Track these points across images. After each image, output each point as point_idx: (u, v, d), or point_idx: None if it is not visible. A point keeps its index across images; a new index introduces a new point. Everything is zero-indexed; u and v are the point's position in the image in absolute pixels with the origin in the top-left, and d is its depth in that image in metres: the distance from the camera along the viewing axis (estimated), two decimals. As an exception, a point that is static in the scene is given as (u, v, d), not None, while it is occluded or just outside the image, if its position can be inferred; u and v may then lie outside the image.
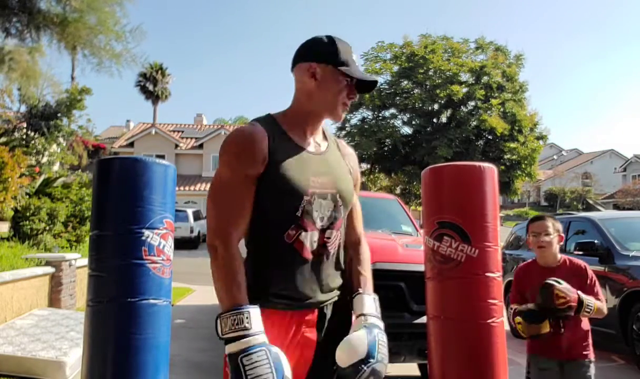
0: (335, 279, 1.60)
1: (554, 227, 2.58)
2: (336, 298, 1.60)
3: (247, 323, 1.34)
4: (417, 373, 4.47)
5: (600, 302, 2.48)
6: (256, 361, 1.29)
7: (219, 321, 1.37)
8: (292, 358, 1.45)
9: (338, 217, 1.57)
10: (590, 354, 2.53)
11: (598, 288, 2.57)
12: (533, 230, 2.60)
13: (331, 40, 1.56)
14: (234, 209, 1.46)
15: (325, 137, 1.66)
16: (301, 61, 1.56)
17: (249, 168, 1.46)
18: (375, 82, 1.61)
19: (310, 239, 1.51)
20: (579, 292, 2.39)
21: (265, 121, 1.56)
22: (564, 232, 6.87)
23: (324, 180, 1.53)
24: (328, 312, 1.57)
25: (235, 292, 1.38)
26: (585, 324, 2.54)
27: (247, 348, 1.31)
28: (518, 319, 2.42)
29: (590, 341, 2.55)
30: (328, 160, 1.59)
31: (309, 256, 1.51)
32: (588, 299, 2.40)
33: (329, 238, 1.55)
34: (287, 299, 1.49)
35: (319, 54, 1.54)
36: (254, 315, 1.36)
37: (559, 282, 2.37)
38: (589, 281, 2.55)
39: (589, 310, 2.39)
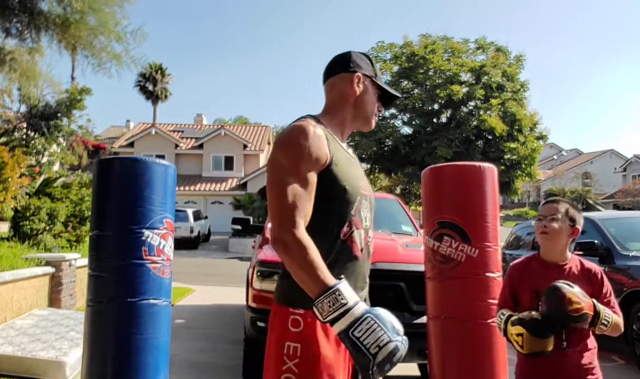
0: (367, 279, 1.67)
1: (566, 214, 2.02)
2: (367, 294, 1.68)
3: (342, 299, 1.33)
4: (417, 373, 4.46)
5: (618, 316, 1.99)
6: (367, 330, 1.30)
7: (315, 309, 1.35)
8: (343, 367, 1.50)
9: (372, 219, 1.67)
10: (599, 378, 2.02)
11: (614, 301, 2.03)
12: (540, 213, 2.09)
13: (367, 56, 1.71)
14: (300, 201, 1.45)
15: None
16: (344, 71, 1.65)
17: (316, 163, 1.48)
18: (398, 97, 1.81)
19: (359, 237, 1.57)
20: (594, 299, 1.91)
21: (317, 121, 1.59)
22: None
23: (365, 183, 1.65)
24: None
25: (320, 275, 1.36)
26: (592, 341, 2.03)
27: (353, 321, 1.31)
28: (518, 329, 1.89)
29: (597, 362, 2.04)
30: (358, 162, 1.72)
31: (359, 253, 1.57)
32: (605, 309, 1.92)
33: (370, 237, 1.63)
34: None
35: (363, 67, 1.66)
36: (345, 289, 1.35)
37: (569, 285, 1.88)
38: (604, 291, 2.01)
39: (606, 323, 1.91)
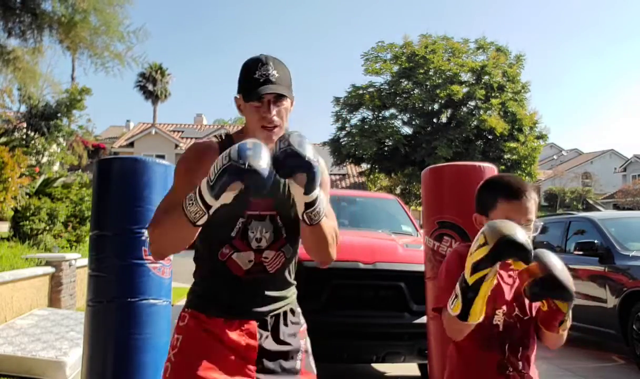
0: (277, 294, 1.63)
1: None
2: (284, 309, 1.64)
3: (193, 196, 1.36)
4: (417, 373, 4.46)
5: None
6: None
7: (192, 214, 1.36)
8: (226, 361, 1.51)
9: (279, 239, 1.58)
10: None
11: None
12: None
13: (244, 65, 1.57)
14: (166, 205, 1.52)
15: None
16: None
17: (194, 179, 1.45)
18: (261, 91, 1.51)
19: (244, 259, 1.55)
20: None
21: (224, 140, 1.62)
22: (564, 232, 6.88)
23: (264, 203, 1.55)
24: (271, 322, 1.60)
25: (177, 210, 1.41)
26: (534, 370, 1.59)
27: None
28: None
29: None
30: (275, 182, 1.48)
31: (241, 273, 1.56)
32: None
33: (266, 258, 1.57)
34: (221, 309, 1.56)
35: (238, 87, 1.59)
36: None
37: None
38: None
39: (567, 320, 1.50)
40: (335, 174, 28.11)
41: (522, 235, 1.34)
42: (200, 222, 1.37)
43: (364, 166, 26.40)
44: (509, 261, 1.42)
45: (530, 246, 1.33)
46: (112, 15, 7.03)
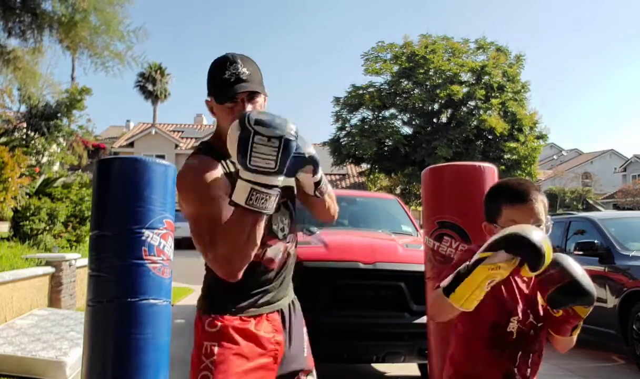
0: (290, 283, 1.69)
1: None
2: (292, 298, 1.70)
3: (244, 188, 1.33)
4: (417, 373, 4.47)
5: None
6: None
7: (251, 205, 1.31)
8: (260, 361, 1.53)
9: (293, 221, 1.65)
10: None
11: None
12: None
13: (213, 65, 1.53)
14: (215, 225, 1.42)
15: None
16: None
17: (214, 188, 1.44)
18: (233, 90, 1.48)
19: (276, 252, 1.58)
20: None
21: (205, 149, 1.57)
22: (564, 232, 6.88)
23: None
24: (287, 311, 1.65)
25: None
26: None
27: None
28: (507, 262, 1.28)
29: None
30: None
31: (275, 266, 1.58)
32: None
33: (289, 243, 1.62)
34: (254, 307, 1.56)
35: (209, 89, 1.54)
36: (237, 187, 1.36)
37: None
38: None
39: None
40: (335, 174, 28.12)
41: (538, 236, 1.28)
42: (273, 207, 1.35)
43: (364, 166, 26.41)
44: (519, 268, 1.32)
45: (544, 249, 1.27)
46: (112, 14, 7.04)
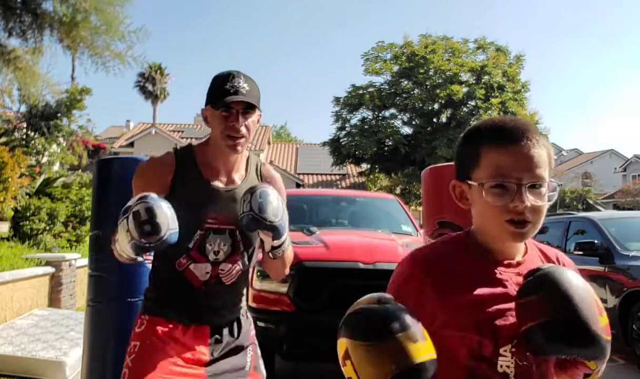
0: (233, 303, 1.70)
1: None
2: (235, 316, 1.71)
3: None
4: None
5: None
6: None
7: (124, 243, 1.40)
8: (179, 366, 1.55)
9: (236, 252, 1.64)
10: None
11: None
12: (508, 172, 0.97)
13: (216, 77, 1.62)
14: None
15: (247, 168, 1.72)
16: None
17: (151, 189, 1.51)
18: (227, 99, 1.57)
19: (201, 271, 1.60)
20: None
21: (183, 151, 1.66)
22: (564, 233, 6.90)
23: (223, 216, 1.60)
24: (226, 329, 1.67)
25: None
26: None
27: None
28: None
29: None
30: (236, 196, 1.61)
31: (199, 284, 1.61)
32: None
33: (222, 270, 1.62)
34: (178, 315, 1.60)
35: (207, 99, 1.62)
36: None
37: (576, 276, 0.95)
38: None
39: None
40: (335, 174, 28.11)
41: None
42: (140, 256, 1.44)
43: (364, 166, 26.39)
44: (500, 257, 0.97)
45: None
46: (113, 15, 7.04)
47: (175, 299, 1.61)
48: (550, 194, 0.96)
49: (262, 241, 1.62)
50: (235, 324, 1.70)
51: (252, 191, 1.49)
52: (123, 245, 1.38)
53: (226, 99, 1.53)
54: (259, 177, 1.73)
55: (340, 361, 0.93)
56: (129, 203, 1.38)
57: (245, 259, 1.68)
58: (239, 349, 1.68)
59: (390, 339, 0.85)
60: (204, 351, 1.60)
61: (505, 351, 0.95)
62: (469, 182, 0.98)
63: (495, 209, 0.94)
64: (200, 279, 1.60)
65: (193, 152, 1.64)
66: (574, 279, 0.90)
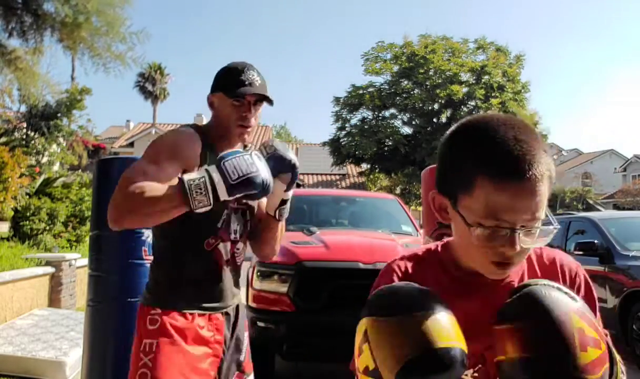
0: (237, 286, 1.74)
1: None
2: (238, 301, 1.75)
3: (198, 177, 1.38)
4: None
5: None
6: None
7: (197, 202, 1.36)
8: (203, 357, 1.57)
9: (245, 231, 1.72)
10: None
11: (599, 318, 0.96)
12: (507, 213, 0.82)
13: (229, 68, 1.67)
14: (148, 176, 1.45)
15: (245, 148, 1.74)
16: (210, 93, 1.69)
17: (177, 163, 1.52)
18: (247, 92, 1.62)
19: (225, 249, 1.64)
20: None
21: (201, 130, 1.67)
22: (564, 232, 6.91)
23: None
24: (232, 314, 1.71)
25: (168, 190, 1.39)
26: None
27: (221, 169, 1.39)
28: None
29: None
30: None
31: (224, 264, 1.64)
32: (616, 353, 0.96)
33: (238, 249, 1.68)
34: (201, 304, 1.60)
35: (218, 86, 1.66)
36: (190, 174, 1.41)
37: (573, 298, 0.81)
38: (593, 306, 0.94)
39: None
40: (335, 174, 28.10)
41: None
42: (200, 210, 1.39)
43: (364, 166, 26.38)
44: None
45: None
46: (114, 16, 7.05)
47: (201, 284, 1.61)
48: (547, 230, 0.82)
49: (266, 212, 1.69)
50: (238, 310, 1.74)
51: (269, 142, 1.57)
52: (231, 175, 1.36)
53: (242, 89, 1.60)
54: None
55: (356, 351, 0.84)
56: (199, 175, 1.37)
57: (247, 239, 1.76)
58: (237, 339, 1.71)
59: (413, 316, 0.76)
60: (220, 340, 1.63)
61: (466, 375, 0.87)
62: (456, 208, 0.85)
63: (480, 247, 0.83)
64: (224, 258, 1.64)
65: (208, 133, 1.67)
66: (555, 309, 0.76)
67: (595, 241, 5.73)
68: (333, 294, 3.80)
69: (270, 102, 1.66)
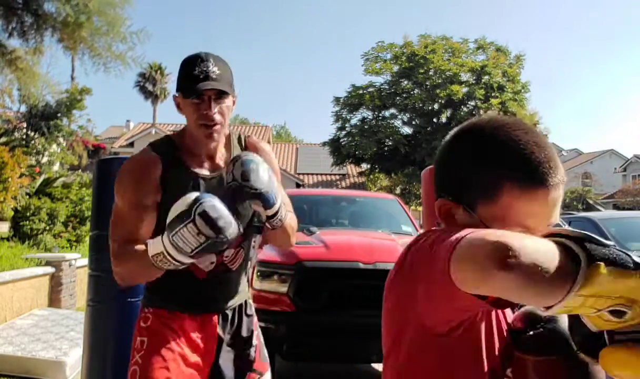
0: (238, 288, 1.68)
1: None
2: (240, 301, 1.70)
3: (159, 243, 1.37)
4: (417, 373, 4.46)
5: None
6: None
7: (170, 259, 1.35)
8: (189, 358, 1.55)
9: (238, 237, 1.63)
10: None
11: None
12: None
13: (184, 62, 1.53)
14: (129, 239, 1.49)
15: (230, 147, 1.65)
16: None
17: (144, 197, 1.49)
18: (194, 88, 1.49)
19: (204, 262, 1.56)
20: None
21: (162, 145, 1.59)
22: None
23: None
24: (231, 314, 1.66)
25: (144, 255, 1.41)
26: None
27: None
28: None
29: None
30: (223, 179, 1.56)
31: (203, 275, 1.57)
32: None
33: (227, 256, 1.59)
34: (183, 306, 1.59)
35: (177, 86, 1.55)
36: (154, 240, 1.41)
37: None
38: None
39: None
40: (335, 174, 28.10)
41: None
42: (173, 268, 1.40)
43: (364, 166, 26.39)
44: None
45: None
46: (115, 16, 7.05)
47: (180, 290, 1.58)
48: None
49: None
50: (243, 308, 1.69)
51: (234, 160, 1.42)
52: (185, 250, 1.30)
53: (197, 86, 1.45)
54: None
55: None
56: (180, 208, 1.30)
57: (247, 242, 1.65)
58: (245, 338, 1.67)
59: None
60: (212, 341, 1.60)
61: (511, 372, 0.86)
62: (474, 215, 0.80)
63: None
64: (203, 270, 1.57)
65: (173, 144, 1.58)
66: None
67: (595, 241, 5.73)
68: (333, 294, 3.80)
69: (227, 94, 1.49)
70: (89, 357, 2.85)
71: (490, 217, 0.78)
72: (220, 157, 1.61)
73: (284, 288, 3.78)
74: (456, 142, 0.88)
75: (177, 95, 1.54)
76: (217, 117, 1.48)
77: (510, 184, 0.77)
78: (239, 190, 1.38)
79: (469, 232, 0.67)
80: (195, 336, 1.58)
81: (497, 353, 0.82)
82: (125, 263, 1.47)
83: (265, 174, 1.40)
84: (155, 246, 1.36)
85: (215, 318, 1.61)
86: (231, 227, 1.31)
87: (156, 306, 1.58)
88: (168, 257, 1.33)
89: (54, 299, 5.96)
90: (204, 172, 1.57)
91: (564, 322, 0.78)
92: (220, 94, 1.48)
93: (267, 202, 1.42)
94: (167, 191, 1.51)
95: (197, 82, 1.45)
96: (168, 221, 1.33)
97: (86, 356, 2.87)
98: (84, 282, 3.74)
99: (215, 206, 1.30)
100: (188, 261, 1.35)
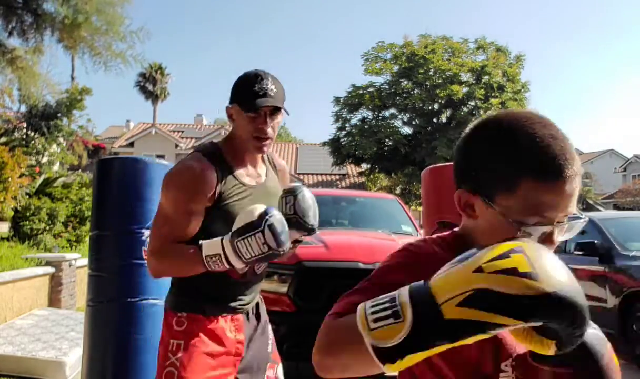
0: (259, 287, 1.80)
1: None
2: (257, 300, 1.81)
3: (213, 247, 1.51)
4: (417, 373, 4.45)
5: None
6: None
7: (221, 260, 1.49)
8: (223, 359, 1.62)
9: None
10: None
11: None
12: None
13: (243, 78, 1.65)
14: (173, 239, 1.57)
15: (263, 160, 1.79)
16: (229, 103, 1.69)
17: (197, 204, 1.57)
18: (259, 103, 1.60)
19: (248, 268, 1.65)
20: None
21: (212, 153, 1.65)
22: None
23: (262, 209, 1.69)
24: (251, 312, 1.77)
25: (193, 257, 1.52)
26: None
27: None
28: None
29: None
30: (268, 189, 1.74)
31: (237, 277, 1.67)
32: None
33: (259, 266, 1.72)
34: (217, 307, 1.66)
35: (234, 97, 1.65)
36: (207, 243, 1.53)
37: None
38: None
39: None
40: (335, 174, 28.11)
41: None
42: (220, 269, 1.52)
43: (364, 166, 26.39)
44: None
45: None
46: (114, 15, 7.06)
47: (213, 292, 1.65)
48: (573, 224, 0.85)
49: None
50: (258, 308, 1.80)
51: (293, 193, 1.64)
52: (245, 256, 1.45)
53: (256, 102, 1.57)
54: (273, 168, 1.83)
55: None
56: (249, 218, 1.46)
57: None
58: (263, 333, 1.79)
59: None
60: (241, 339, 1.69)
61: (507, 366, 0.86)
62: (493, 206, 0.83)
63: None
64: (238, 273, 1.65)
65: (222, 154, 1.66)
66: (606, 354, 0.80)
67: (595, 241, 5.72)
68: (333, 294, 3.79)
69: (280, 111, 1.64)
70: (89, 357, 2.85)
71: (508, 208, 0.82)
72: (260, 168, 1.75)
73: (284, 288, 3.78)
74: (475, 135, 0.90)
75: (231, 106, 1.65)
76: (270, 131, 1.62)
77: (527, 176, 0.80)
78: (297, 224, 1.62)
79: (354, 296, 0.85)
80: (229, 336, 1.65)
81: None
82: (164, 259, 1.56)
83: (316, 210, 1.69)
84: (212, 247, 1.48)
85: (242, 316, 1.71)
86: (288, 242, 1.50)
87: (190, 310, 1.63)
88: (223, 259, 1.47)
89: (54, 299, 5.96)
90: (250, 181, 1.69)
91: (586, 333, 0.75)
92: (275, 111, 1.62)
93: (310, 233, 1.69)
94: (220, 199, 1.60)
95: (256, 98, 1.58)
96: (235, 227, 1.46)
97: (86, 356, 2.87)
98: (84, 283, 3.74)
99: (282, 221, 1.49)
100: (241, 265, 1.49)
